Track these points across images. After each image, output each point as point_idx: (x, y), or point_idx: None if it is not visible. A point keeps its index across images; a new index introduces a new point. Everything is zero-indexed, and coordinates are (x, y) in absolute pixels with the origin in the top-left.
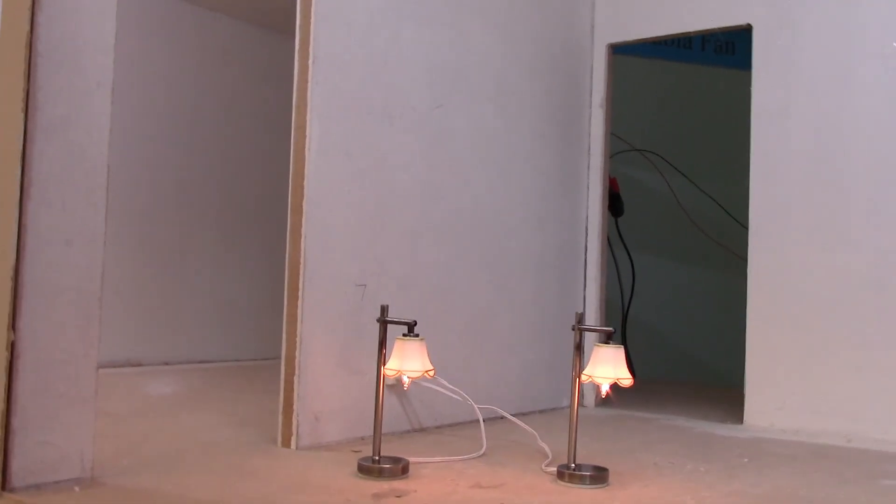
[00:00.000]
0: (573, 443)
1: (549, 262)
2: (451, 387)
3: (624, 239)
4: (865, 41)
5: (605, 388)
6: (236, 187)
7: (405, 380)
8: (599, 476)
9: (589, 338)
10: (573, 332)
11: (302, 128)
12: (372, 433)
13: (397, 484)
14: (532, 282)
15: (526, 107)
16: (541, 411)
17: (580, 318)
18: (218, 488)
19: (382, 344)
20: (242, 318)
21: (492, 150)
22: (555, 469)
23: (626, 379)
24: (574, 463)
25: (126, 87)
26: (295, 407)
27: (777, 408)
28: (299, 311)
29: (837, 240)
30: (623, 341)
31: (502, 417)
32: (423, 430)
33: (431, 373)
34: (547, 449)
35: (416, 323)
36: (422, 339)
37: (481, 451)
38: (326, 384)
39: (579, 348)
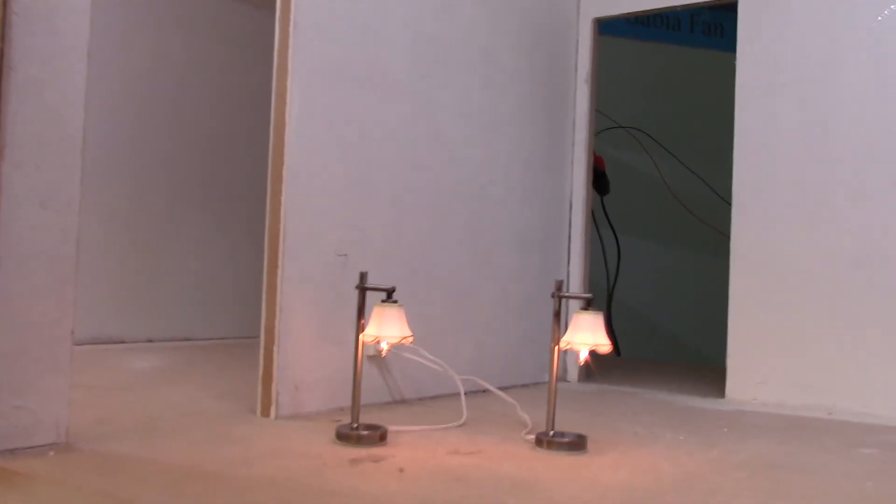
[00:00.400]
0: (552, 411)
1: (532, 238)
2: (431, 357)
3: (610, 218)
4: (853, 18)
5: (583, 355)
6: (222, 163)
7: (383, 346)
8: (577, 443)
9: (572, 308)
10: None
11: (282, 95)
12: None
13: (375, 450)
14: (515, 256)
15: (511, 80)
16: (524, 385)
17: (560, 286)
18: (194, 454)
19: (361, 311)
20: (227, 295)
21: (476, 123)
22: (534, 437)
23: (604, 345)
24: (552, 430)
25: (110, 63)
26: (274, 376)
27: (759, 382)
28: (279, 280)
29: (821, 217)
30: (608, 322)
31: (484, 391)
32: (404, 401)
33: (410, 339)
34: (527, 418)
35: (394, 289)
36: (400, 306)
37: (461, 421)
38: (307, 354)
39: (558, 316)
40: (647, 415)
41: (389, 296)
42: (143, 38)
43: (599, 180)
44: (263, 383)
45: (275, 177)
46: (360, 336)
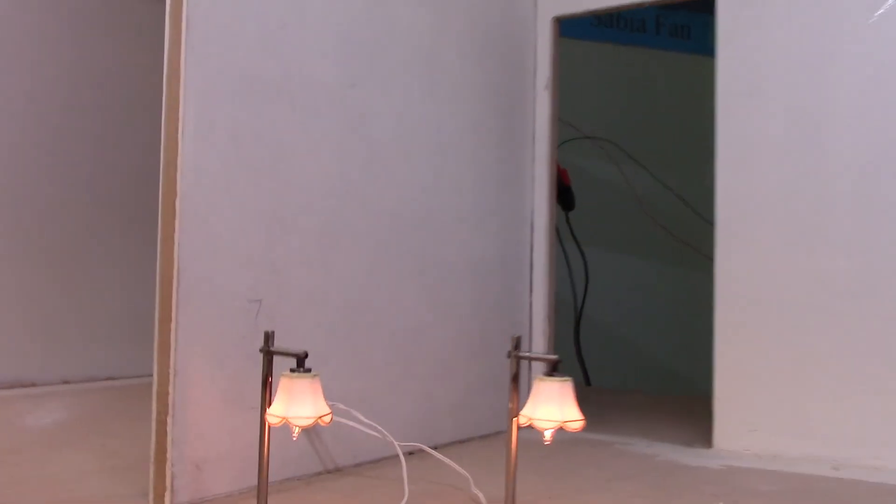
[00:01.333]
0: (511, 499)
1: (489, 267)
2: (366, 421)
3: (575, 234)
4: (844, 13)
5: (547, 434)
6: (142, 184)
7: (294, 430)
8: None
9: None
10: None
11: (174, 108)
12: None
13: None
14: (470, 290)
15: (459, 88)
16: (482, 437)
17: (517, 343)
18: None
19: (267, 381)
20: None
21: (418, 138)
22: None
23: (574, 421)
24: None
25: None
26: (169, 455)
27: (750, 430)
28: (172, 335)
29: (817, 239)
30: (576, 345)
31: (435, 448)
32: (338, 470)
33: (328, 418)
34: (482, 498)
35: (306, 355)
36: (315, 376)
37: (402, 503)
38: (210, 425)
39: (516, 380)
40: (624, 480)
41: (300, 363)
42: (27, 36)
43: (564, 195)
44: (156, 463)
45: (166, 208)
46: (265, 414)
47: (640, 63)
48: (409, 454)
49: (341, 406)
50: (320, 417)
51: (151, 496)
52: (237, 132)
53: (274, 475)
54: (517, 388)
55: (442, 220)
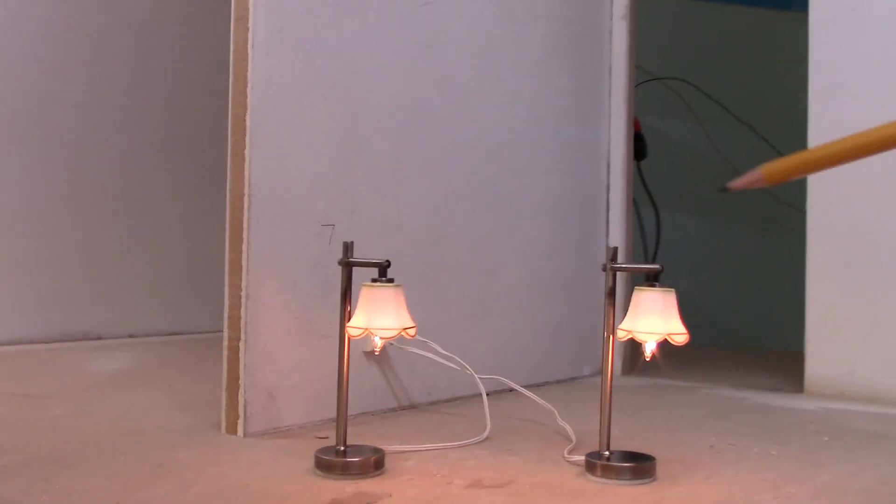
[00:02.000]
0: (606, 423)
1: (567, 206)
2: (444, 353)
3: (648, 187)
4: None
5: (650, 348)
6: (185, 135)
7: (376, 341)
8: (643, 468)
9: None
10: (604, 274)
11: (243, 18)
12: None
13: (367, 484)
14: (545, 227)
15: (533, 11)
16: (559, 382)
17: (614, 255)
18: (108, 497)
19: (347, 295)
20: (218, 282)
21: (493, 62)
22: (582, 458)
23: (679, 333)
24: (608, 450)
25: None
26: (241, 382)
27: (846, 373)
28: (244, 257)
29: None
30: None
31: (511, 391)
32: (414, 407)
33: (412, 331)
34: (569, 430)
35: (388, 263)
36: (398, 286)
37: (484, 435)
38: (284, 352)
39: (612, 294)
40: (717, 418)
41: (383, 273)
42: None
43: (635, 143)
44: (228, 391)
45: (236, 124)
46: (346, 328)
47: (726, 19)
48: (487, 394)
49: (419, 337)
50: (405, 329)
51: (224, 424)
52: (308, 46)
53: (351, 409)
54: (613, 303)
55: (517, 151)
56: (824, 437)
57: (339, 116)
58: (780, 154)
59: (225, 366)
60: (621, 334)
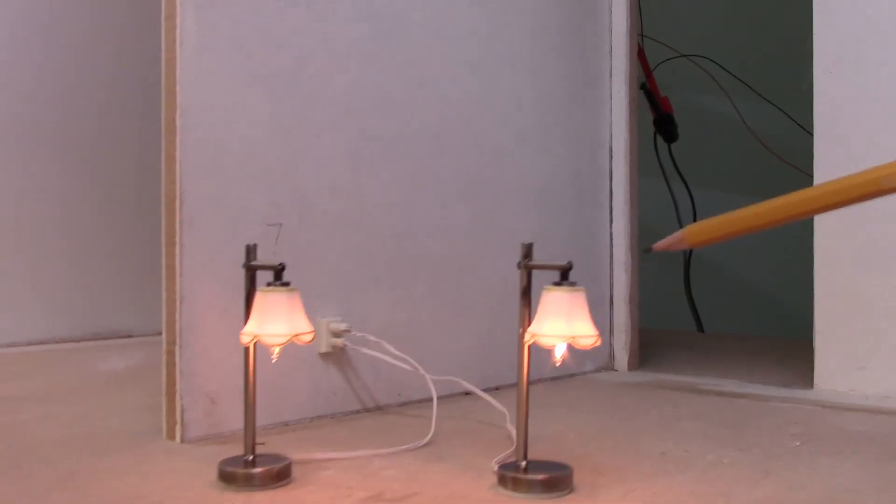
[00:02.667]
0: (523, 430)
1: (558, 194)
2: (395, 352)
3: (680, 169)
4: None
5: (559, 352)
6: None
7: (273, 350)
8: (557, 479)
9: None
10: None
11: (172, 16)
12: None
13: (261, 497)
14: (534, 219)
15: None
16: (553, 379)
17: (528, 251)
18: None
19: (250, 298)
20: None
21: (465, 47)
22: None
23: (585, 336)
24: (525, 460)
25: None
26: (178, 387)
27: (858, 367)
28: (177, 258)
29: None
30: (687, 291)
31: (498, 389)
32: (380, 409)
33: (307, 337)
34: (513, 434)
35: (283, 267)
36: (292, 290)
37: (424, 440)
38: (224, 356)
39: (527, 293)
40: (694, 419)
41: (278, 276)
42: None
43: (666, 125)
44: (167, 396)
45: (168, 123)
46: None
47: None
48: (466, 394)
49: (371, 338)
50: (297, 336)
51: (164, 430)
52: (246, 42)
53: (304, 412)
54: (528, 304)
55: (497, 139)
56: (796, 442)
57: (284, 112)
58: (807, 133)
59: (164, 371)
60: (527, 337)
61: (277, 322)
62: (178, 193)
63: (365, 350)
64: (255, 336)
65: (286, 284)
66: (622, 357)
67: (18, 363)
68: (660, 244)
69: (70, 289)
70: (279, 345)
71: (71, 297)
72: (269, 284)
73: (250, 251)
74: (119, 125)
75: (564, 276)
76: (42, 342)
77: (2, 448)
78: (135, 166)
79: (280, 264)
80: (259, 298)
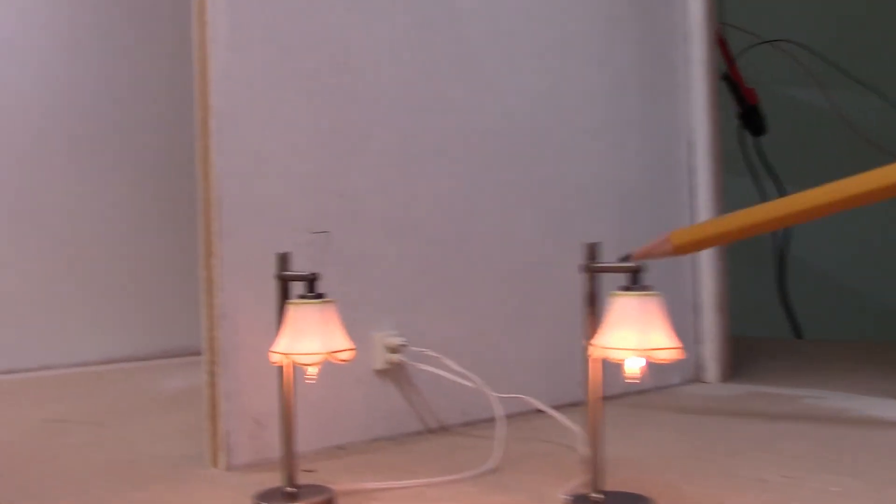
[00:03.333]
0: (595, 456)
1: (633, 192)
2: (457, 368)
3: (769, 163)
4: None
5: (630, 369)
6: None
7: (309, 370)
8: None
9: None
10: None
11: (202, 13)
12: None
13: None
14: (606, 218)
15: None
16: (639, 393)
17: (592, 252)
18: None
19: (283, 312)
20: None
21: (527, 37)
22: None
23: (663, 349)
24: (597, 491)
25: None
26: (220, 409)
27: None
28: (216, 270)
29: None
30: (781, 293)
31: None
32: (444, 429)
33: (346, 354)
34: (585, 459)
35: (315, 276)
36: (327, 302)
37: (487, 466)
38: (272, 373)
39: (592, 300)
40: (795, 439)
41: (310, 287)
42: None
43: (752, 117)
44: (210, 419)
45: (201, 129)
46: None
47: None
48: (538, 411)
49: (430, 353)
50: (333, 353)
51: (208, 456)
52: (283, 38)
53: (360, 434)
54: (593, 311)
55: (565, 135)
56: None
57: (327, 112)
58: None
59: (205, 392)
60: (592, 351)
61: (310, 339)
62: (214, 202)
63: (423, 366)
64: (286, 354)
65: (320, 296)
66: (712, 368)
67: (80, 384)
68: (641, 251)
69: (136, 306)
70: (312, 364)
71: (137, 315)
72: (300, 296)
73: (283, 260)
74: (178, 142)
75: (635, 280)
76: (110, 361)
77: (39, 474)
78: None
79: (312, 273)
80: (290, 312)
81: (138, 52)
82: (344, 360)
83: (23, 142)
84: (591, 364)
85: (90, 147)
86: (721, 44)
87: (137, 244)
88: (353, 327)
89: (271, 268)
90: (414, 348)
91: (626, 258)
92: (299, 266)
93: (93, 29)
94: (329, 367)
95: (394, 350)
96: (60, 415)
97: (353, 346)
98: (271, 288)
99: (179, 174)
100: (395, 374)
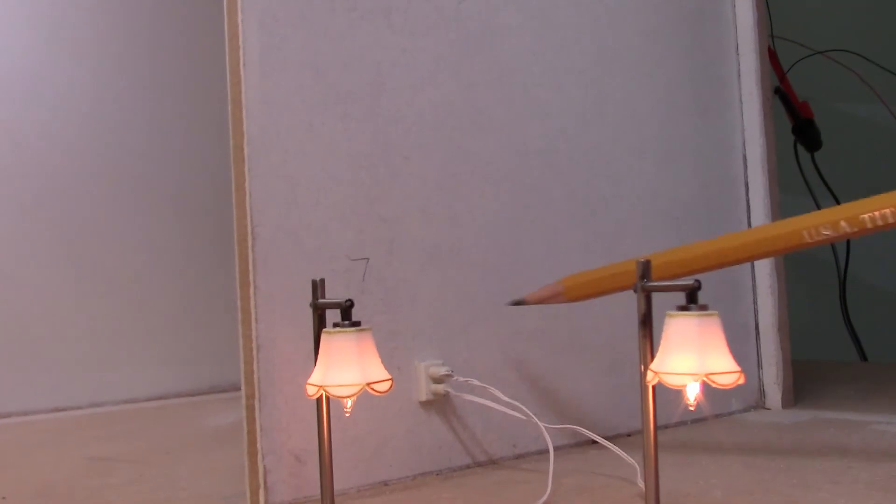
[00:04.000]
0: (652, 491)
1: (687, 210)
2: (505, 399)
3: (826, 180)
4: None
5: (691, 394)
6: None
7: (346, 402)
8: None
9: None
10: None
11: (234, 36)
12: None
13: None
14: (659, 237)
15: None
16: (695, 421)
17: (645, 270)
18: None
19: (318, 342)
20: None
21: (569, 55)
22: None
23: (725, 373)
24: None
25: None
26: (259, 445)
27: None
28: (252, 303)
29: None
30: (844, 312)
31: (627, 435)
32: (493, 462)
33: (382, 385)
34: (644, 494)
35: (352, 303)
36: (363, 330)
37: (540, 502)
38: (313, 406)
39: (647, 322)
40: (868, 468)
41: (346, 314)
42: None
43: (807, 131)
44: (249, 455)
45: (236, 153)
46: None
47: None
48: (593, 443)
49: (476, 382)
50: (369, 384)
51: (248, 494)
52: (317, 60)
53: (406, 469)
54: (649, 333)
55: (614, 153)
56: None
57: (364, 135)
58: None
59: (244, 427)
60: (649, 377)
61: (346, 369)
62: (250, 229)
63: (470, 397)
64: (319, 387)
65: (356, 324)
66: (774, 393)
67: (128, 421)
68: (533, 296)
69: (185, 341)
70: (348, 396)
71: (186, 350)
72: (335, 325)
73: (318, 287)
74: (223, 174)
75: (692, 299)
76: (159, 398)
77: None
78: None
79: (347, 301)
80: (324, 342)
81: (181, 84)
82: (382, 392)
83: (75, 186)
84: (646, 390)
85: (138, 185)
86: (772, 56)
87: (186, 279)
88: (394, 357)
89: (309, 297)
90: (460, 378)
91: (519, 303)
92: (339, 294)
93: (138, 60)
94: (370, 400)
95: (438, 380)
96: (106, 453)
97: (391, 377)
98: (309, 317)
99: (227, 205)
100: (440, 405)
